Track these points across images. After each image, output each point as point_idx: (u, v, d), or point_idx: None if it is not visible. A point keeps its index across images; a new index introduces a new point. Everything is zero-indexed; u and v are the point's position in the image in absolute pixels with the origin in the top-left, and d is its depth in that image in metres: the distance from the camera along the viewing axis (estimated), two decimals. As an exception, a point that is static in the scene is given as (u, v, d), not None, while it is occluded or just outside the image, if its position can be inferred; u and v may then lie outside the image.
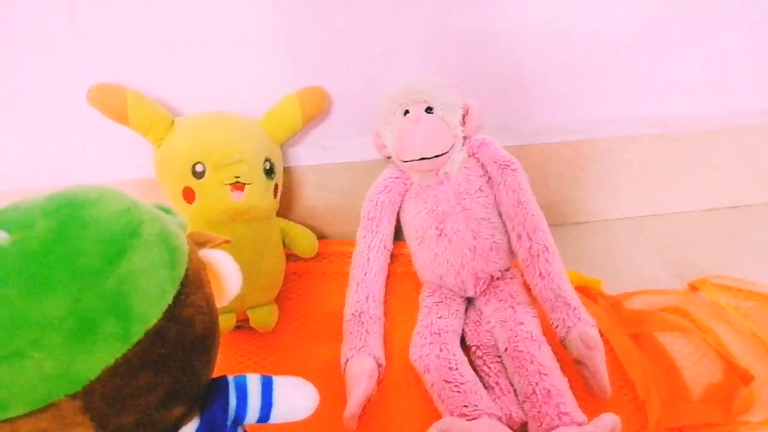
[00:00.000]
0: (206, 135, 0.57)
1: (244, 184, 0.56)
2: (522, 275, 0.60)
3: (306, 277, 0.67)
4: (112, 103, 0.56)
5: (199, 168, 0.56)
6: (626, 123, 0.72)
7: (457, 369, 0.51)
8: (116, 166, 0.64)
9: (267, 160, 0.59)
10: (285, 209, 0.69)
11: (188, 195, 0.56)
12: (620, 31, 0.67)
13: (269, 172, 0.59)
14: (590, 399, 0.52)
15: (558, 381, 0.49)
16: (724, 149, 0.75)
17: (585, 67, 0.69)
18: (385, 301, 0.62)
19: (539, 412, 0.48)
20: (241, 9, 0.59)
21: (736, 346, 0.56)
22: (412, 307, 0.62)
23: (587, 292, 0.63)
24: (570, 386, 0.50)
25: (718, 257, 0.70)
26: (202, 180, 0.56)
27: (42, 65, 0.59)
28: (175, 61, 0.61)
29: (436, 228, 0.60)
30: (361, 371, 0.51)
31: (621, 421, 0.45)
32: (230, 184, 0.56)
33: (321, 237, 0.71)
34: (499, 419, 0.48)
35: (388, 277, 0.64)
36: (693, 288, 0.63)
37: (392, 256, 0.65)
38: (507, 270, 0.61)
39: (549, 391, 0.48)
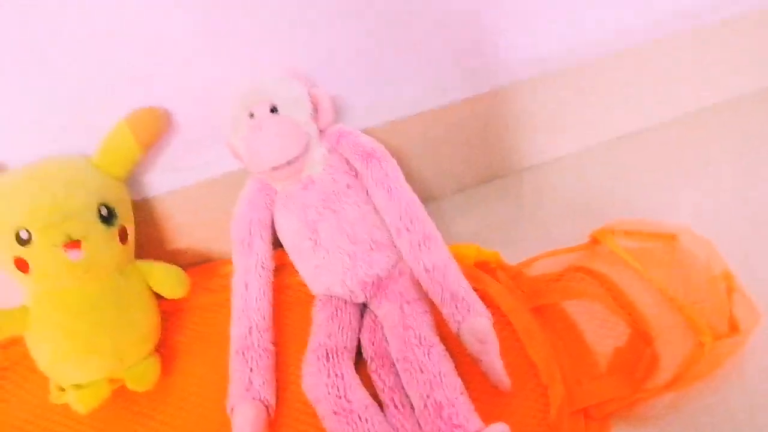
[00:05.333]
0: (23, 196, 0.50)
1: (78, 240, 0.50)
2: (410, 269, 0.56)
3: (190, 312, 0.61)
4: None
5: (23, 235, 0.49)
6: (509, 69, 0.66)
7: (344, 396, 0.47)
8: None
9: (102, 204, 0.52)
10: (154, 246, 0.63)
11: (21, 265, 0.50)
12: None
13: (108, 219, 0.52)
14: (494, 391, 0.49)
15: (449, 389, 0.45)
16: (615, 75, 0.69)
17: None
18: (275, 325, 0.57)
19: (432, 426, 0.44)
20: (45, 43, 0.51)
21: (640, 297, 0.53)
22: (307, 322, 0.57)
23: (486, 266, 0.59)
24: (472, 382, 0.47)
25: (628, 194, 0.66)
26: (30, 247, 0.49)
27: None
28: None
29: (310, 239, 0.54)
30: (244, 423, 0.47)
31: (526, 408, 0.45)
32: (63, 245, 0.49)
33: (206, 261, 0.66)
34: (393, 445, 0.44)
35: (280, 292, 0.59)
36: (595, 240, 0.58)
37: (278, 267, 0.60)
38: (394, 266, 0.56)
39: (440, 402, 0.45)
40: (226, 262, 0.65)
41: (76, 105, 0.56)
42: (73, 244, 0.50)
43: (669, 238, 0.57)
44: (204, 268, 0.65)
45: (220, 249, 0.67)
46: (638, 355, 0.48)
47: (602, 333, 0.51)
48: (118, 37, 0.53)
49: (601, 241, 0.58)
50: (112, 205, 0.53)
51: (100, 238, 0.52)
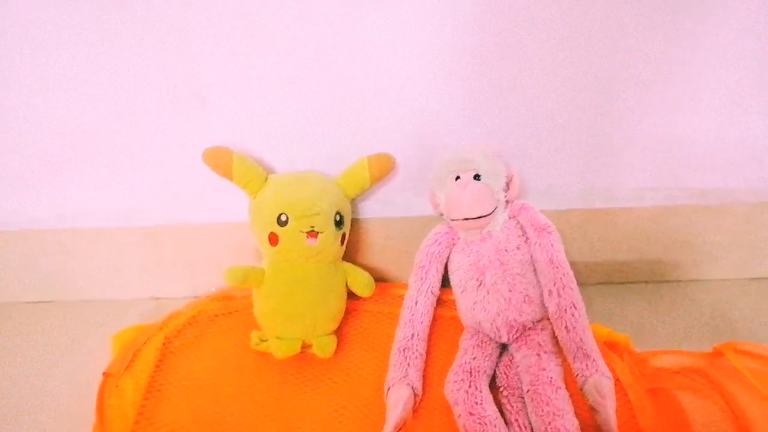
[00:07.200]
0: (291, 191, 0.70)
1: (318, 232, 0.69)
2: (552, 326, 0.67)
3: (364, 314, 0.78)
4: (221, 162, 0.71)
5: (283, 218, 0.69)
6: (666, 193, 0.78)
7: (481, 404, 0.59)
8: (220, 211, 0.79)
9: (338, 213, 0.71)
10: (353, 254, 0.81)
11: (273, 239, 0.69)
12: (662, 103, 0.73)
13: (339, 224, 0.71)
14: (602, 444, 0.58)
15: (568, 423, 0.56)
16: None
17: (624, 136, 0.76)
18: (429, 340, 0.71)
19: (549, 447, 0.55)
20: (324, 95, 0.73)
21: (753, 411, 0.60)
22: (453, 347, 0.70)
23: (615, 347, 0.69)
24: (584, 430, 0.57)
25: (754, 325, 0.73)
26: (285, 228, 0.69)
27: (172, 129, 0.75)
28: (275, 131, 0.75)
29: (477, 279, 0.68)
30: (398, 399, 0.61)
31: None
32: (306, 232, 0.68)
33: (382, 280, 0.82)
34: (512, 450, 0.55)
35: (435, 320, 0.73)
36: (718, 352, 0.66)
37: (440, 301, 0.74)
38: (539, 321, 0.68)
39: (559, 430, 0.55)
40: (397, 285, 0.82)
41: (332, 137, 0.76)
42: (314, 234, 0.69)
43: (790, 369, 0.63)
44: (380, 285, 0.80)
45: (396, 274, 0.84)
46: (739, 451, 0.55)
47: (706, 424, 0.59)
48: (371, 108, 0.74)
49: (724, 354, 0.66)
50: (343, 214, 0.72)
51: (331, 236, 0.70)
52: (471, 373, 0.64)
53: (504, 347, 0.70)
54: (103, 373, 0.65)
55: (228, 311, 0.78)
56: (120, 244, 0.82)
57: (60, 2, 0.66)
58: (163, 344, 0.72)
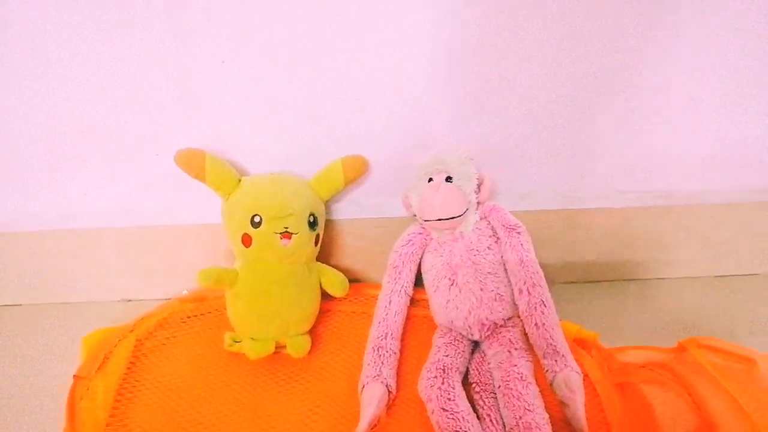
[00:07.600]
0: (265, 193, 0.70)
1: (292, 233, 0.69)
2: (522, 324, 0.69)
3: (338, 314, 0.78)
4: (193, 164, 0.70)
5: (256, 219, 0.69)
6: (635, 195, 0.80)
7: (453, 400, 0.60)
8: (193, 213, 0.79)
9: (311, 214, 0.71)
10: (326, 255, 0.81)
11: (246, 240, 0.69)
12: (630, 106, 0.75)
13: (312, 225, 0.71)
14: (571, 437, 0.60)
15: (539, 417, 0.57)
16: (730, 222, 0.81)
17: (593, 139, 0.78)
18: (402, 339, 0.71)
19: (520, 441, 0.56)
20: (297, 97, 0.73)
21: (715, 404, 0.62)
22: (426, 345, 0.71)
23: (584, 344, 0.70)
24: (554, 424, 0.59)
25: (717, 321, 0.76)
26: (258, 229, 0.69)
27: (148, 129, 0.74)
28: (249, 132, 0.75)
29: (449, 278, 0.70)
30: (372, 396, 0.62)
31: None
32: (280, 233, 0.69)
33: (355, 280, 0.83)
34: (484, 444, 0.56)
35: (408, 319, 0.74)
36: (682, 347, 0.69)
37: (413, 300, 0.75)
38: (510, 319, 0.70)
39: (530, 424, 0.57)
40: (371, 285, 0.82)
41: (306, 140, 0.76)
42: (288, 235, 0.69)
43: (749, 362, 0.65)
44: (354, 285, 0.81)
45: (369, 275, 0.84)
46: (701, 440, 0.57)
47: (674, 417, 0.61)
48: (345, 110, 0.75)
49: (687, 349, 0.68)
50: (316, 215, 0.72)
51: (305, 237, 0.70)
52: (444, 370, 0.64)
53: (476, 344, 0.71)
54: (74, 376, 0.64)
55: (201, 312, 0.78)
56: (91, 247, 0.80)
57: (60, 2, 0.65)
58: (135, 346, 0.71)
